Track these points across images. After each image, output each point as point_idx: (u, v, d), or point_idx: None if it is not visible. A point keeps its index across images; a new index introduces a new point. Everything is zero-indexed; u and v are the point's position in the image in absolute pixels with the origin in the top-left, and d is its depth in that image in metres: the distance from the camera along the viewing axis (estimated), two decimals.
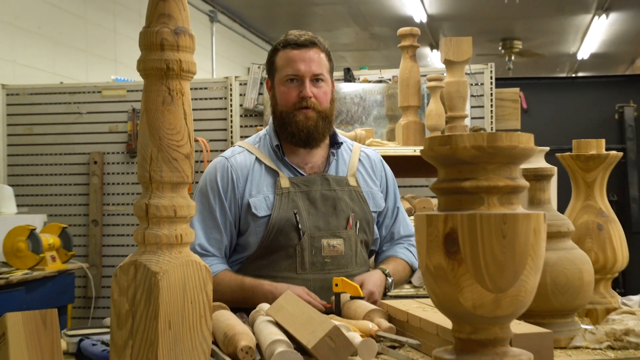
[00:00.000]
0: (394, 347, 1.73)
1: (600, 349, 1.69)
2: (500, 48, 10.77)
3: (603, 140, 2.01)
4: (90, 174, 4.70)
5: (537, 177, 1.82)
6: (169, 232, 1.50)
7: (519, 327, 1.60)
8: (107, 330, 1.75)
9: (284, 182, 2.30)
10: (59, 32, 5.45)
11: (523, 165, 2.00)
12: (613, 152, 1.99)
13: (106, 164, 4.69)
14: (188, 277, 1.50)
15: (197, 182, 2.42)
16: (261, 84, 4.42)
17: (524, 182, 1.29)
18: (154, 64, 1.49)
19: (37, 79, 5.09)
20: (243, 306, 2.18)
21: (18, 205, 4.42)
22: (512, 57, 10.91)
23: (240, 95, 4.52)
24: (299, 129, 2.30)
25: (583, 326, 1.79)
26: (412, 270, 2.47)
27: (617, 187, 5.19)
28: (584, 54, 11.22)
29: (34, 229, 3.73)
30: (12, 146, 4.80)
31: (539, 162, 2.06)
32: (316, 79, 2.32)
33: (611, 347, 1.70)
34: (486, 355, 1.26)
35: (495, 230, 1.22)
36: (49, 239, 3.84)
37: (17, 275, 3.54)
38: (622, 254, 1.99)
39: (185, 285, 1.49)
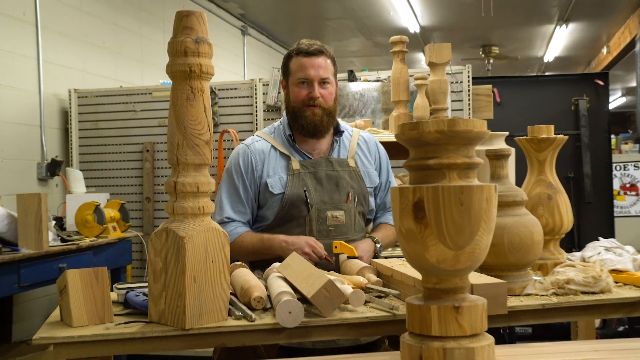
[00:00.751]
0: (380, 297, 1.73)
1: (547, 295, 1.68)
2: (480, 53, 10.63)
3: (552, 126, 1.98)
4: (143, 160, 4.71)
5: (497, 156, 1.80)
6: (193, 204, 1.50)
7: (479, 278, 1.59)
8: (147, 284, 1.76)
9: (295, 164, 2.29)
10: (119, 46, 5.45)
11: (486, 147, 1.99)
12: (560, 136, 1.96)
13: (156, 151, 4.70)
14: (209, 241, 1.51)
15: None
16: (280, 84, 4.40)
17: (478, 160, 1.27)
18: (179, 68, 1.49)
19: (101, 84, 5.10)
20: (265, 257, 2.18)
21: (87, 186, 4.45)
22: (491, 60, 10.77)
23: (263, 94, 4.50)
24: (307, 122, 2.28)
25: (534, 277, 1.78)
26: None
27: (574, 166, 5.12)
28: (549, 57, 11.05)
29: (99, 205, 3.75)
30: (82, 138, 4.82)
31: (499, 144, 2.04)
32: (323, 82, 2.28)
33: (555, 294, 1.69)
34: (448, 301, 1.25)
35: (454, 199, 1.20)
36: (111, 212, 3.86)
37: (86, 241, 3.57)
38: (567, 219, 1.97)
39: (207, 247, 1.50)
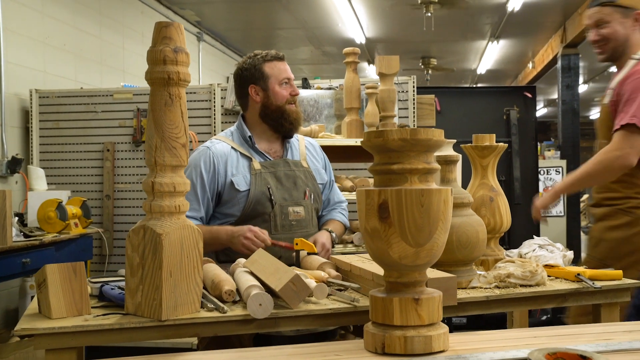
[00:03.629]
0: (340, 290, 1.77)
1: (490, 288, 1.75)
2: (420, 64, 10.82)
3: (494, 135, 2.06)
4: (104, 159, 4.61)
5: (446, 162, 1.86)
6: (170, 203, 1.50)
7: (432, 273, 1.65)
8: (121, 278, 1.74)
9: (256, 165, 2.32)
10: (80, 48, 5.32)
11: (436, 153, 2.05)
12: (501, 144, 2.04)
13: (116, 151, 4.61)
14: (184, 238, 1.51)
15: None
16: None
17: (437, 165, 1.32)
18: (158, 75, 1.49)
19: (62, 85, 4.97)
20: (213, 248, 2.22)
21: (48, 183, 4.33)
22: (429, 71, 10.98)
23: (221, 98, 4.48)
24: (292, 118, 2.37)
25: (478, 272, 1.85)
26: (345, 228, 2.54)
27: (505, 170, 5.29)
28: (482, 69, 11.34)
29: (61, 202, 3.66)
30: (43, 137, 4.68)
31: (448, 150, 2.10)
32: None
33: (497, 287, 1.76)
34: (408, 294, 1.30)
35: (415, 201, 1.25)
36: (73, 209, 3.77)
37: (49, 237, 3.48)
38: (506, 219, 2.05)
39: (182, 244, 1.50)
